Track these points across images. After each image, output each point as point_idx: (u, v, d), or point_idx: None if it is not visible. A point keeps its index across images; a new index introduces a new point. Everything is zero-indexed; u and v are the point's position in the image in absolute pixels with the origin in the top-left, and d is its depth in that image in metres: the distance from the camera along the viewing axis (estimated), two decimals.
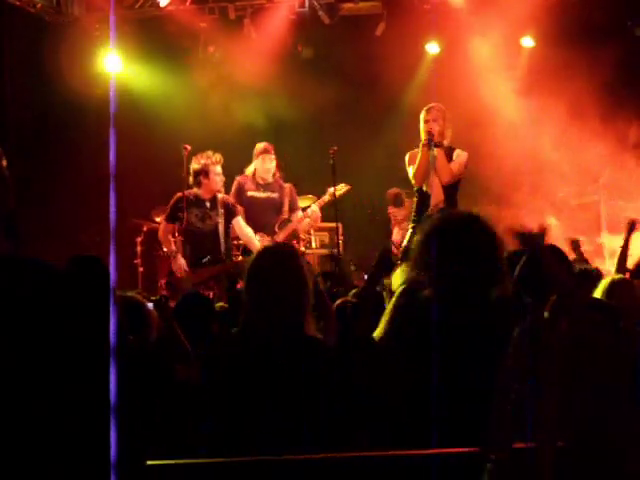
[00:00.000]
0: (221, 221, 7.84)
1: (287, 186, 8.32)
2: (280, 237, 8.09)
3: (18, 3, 9.46)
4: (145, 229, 9.42)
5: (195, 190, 7.89)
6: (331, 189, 8.02)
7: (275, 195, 8.27)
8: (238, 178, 8.34)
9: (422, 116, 6.96)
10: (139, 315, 3.83)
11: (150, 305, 4.06)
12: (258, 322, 3.18)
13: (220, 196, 7.94)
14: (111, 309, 1.46)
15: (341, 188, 8.29)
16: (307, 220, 8.26)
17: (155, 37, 9.94)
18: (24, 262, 1.55)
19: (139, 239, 9.36)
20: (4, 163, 3.96)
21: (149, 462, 2.35)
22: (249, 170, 8.33)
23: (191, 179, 7.87)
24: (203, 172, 7.84)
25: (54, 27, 10.00)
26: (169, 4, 9.67)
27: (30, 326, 1.47)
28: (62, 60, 9.39)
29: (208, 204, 7.88)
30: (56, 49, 9.46)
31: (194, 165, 7.86)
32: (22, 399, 1.51)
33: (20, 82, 9.63)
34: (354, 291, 4.80)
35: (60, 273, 1.51)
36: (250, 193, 8.27)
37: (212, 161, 7.82)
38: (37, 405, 1.50)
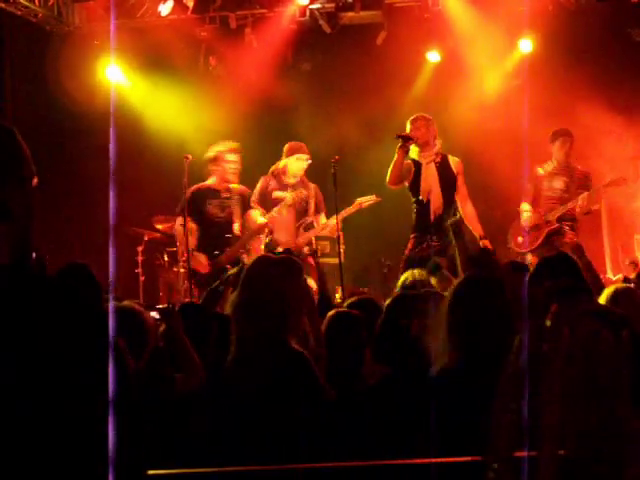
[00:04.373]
0: (237, 210, 7.74)
1: (313, 186, 8.07)
2: (301, 240, 7.88)
3: (19, 12, 9.49)
4: (146, 238, 9.41)
5: (208, 182, 7.81)
6: (359, 199, 7.82)
7: (301, 196, 8.02)
8: (264, 177, 8.10)
9: (407, 127, 7.35)
10: (134, 324, 3.77)
11: (153, 314, 4.02)
12: (245, 331, 3.22)
13: (235, 187, 7.81)
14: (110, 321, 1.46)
15: (369, 199, 7.97)
16: (327, 229, 7.96)
17: (156, 46, 9.94)
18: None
19: (140, 248, 9.34)
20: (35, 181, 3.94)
21: (150, 472, 2.34)
22: (281, 164, 8.03)
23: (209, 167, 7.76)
24: (215, 160, 7.76)
25: (55, 36, 10.02)
26: (170, 13, 9.70)
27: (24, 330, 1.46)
28: (63, 69, 9.41)
29: (224, 194, 7.78)
30: (57, 58, 9.48)
31: (208, 153, 7.78)
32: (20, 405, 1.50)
33: (21, 91, 9.64)
34: (351, 300, 4.78)
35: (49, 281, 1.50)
36: (275, 194, 8.01)
37: (226, 149, 7.74)
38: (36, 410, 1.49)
